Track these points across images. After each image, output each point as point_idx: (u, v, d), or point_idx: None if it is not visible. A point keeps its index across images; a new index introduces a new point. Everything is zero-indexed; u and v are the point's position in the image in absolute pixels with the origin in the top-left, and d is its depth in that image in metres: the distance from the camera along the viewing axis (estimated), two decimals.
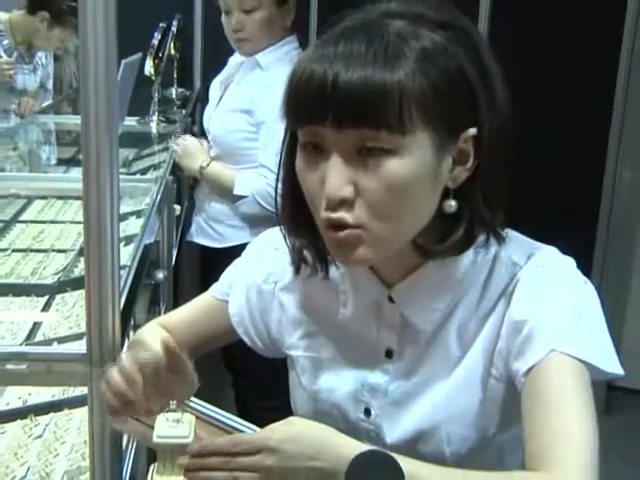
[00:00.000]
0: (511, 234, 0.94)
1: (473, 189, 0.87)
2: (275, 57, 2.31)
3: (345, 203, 0.83)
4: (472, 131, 0.85)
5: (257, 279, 1.07)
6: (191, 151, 2.41)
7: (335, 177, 0.83)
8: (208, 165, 2.37)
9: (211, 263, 2.45)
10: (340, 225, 0.85)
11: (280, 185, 0.94)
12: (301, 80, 0.83)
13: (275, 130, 2.07)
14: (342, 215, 0.84)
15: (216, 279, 1.14)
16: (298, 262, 0.99)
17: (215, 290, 1.12)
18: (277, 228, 1.02)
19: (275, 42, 2.31)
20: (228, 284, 1.10)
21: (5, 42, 3.30)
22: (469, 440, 0.92)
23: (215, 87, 2.52)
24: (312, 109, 0.83)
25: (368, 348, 0.98)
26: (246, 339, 1.09)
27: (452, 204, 0.87)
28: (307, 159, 0.86)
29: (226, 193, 2.33)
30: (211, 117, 2.48)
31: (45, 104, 3.57)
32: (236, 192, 2.29)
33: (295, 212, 0.93)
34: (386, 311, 0.96)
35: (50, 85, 3.65)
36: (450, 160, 0.86)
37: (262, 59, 2.31)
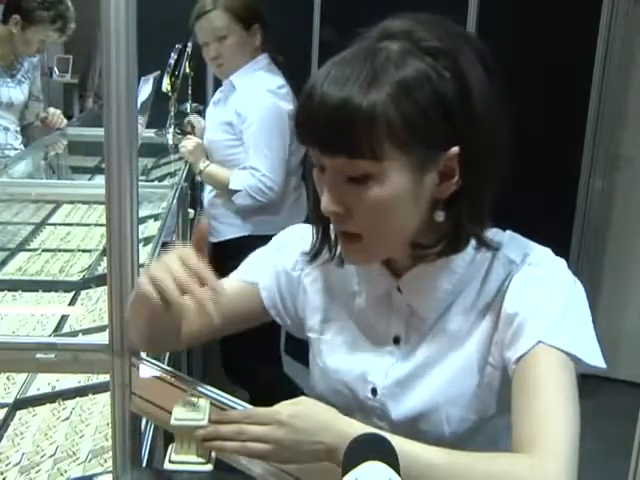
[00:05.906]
0: (510, 234, 0.94)
1: (460, 201, 0.87)
2: (245, 76, 2.43)
3: (340, 216, 0.86)
4: (455, 150, 0.84)
5: (286, 266, 1.06)
6: (195, 150, 2.54)
7: (327, 196, 0.86)
8: (206, 167, 2.50)
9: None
10: (342, 232, 0.89)
11: (311, 192, 0.95)
12: (299, 103, 0.86)
13: (254, 136, 2.31)
14: (342, 226, 0.88)
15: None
16: (319, 249, 0.99)
17: (243, 273, 1.09)
18: (301, 224, 1.07)
19: (246, 62, 2.44)
20: (256, 269, 1.08)
21: None
22: (467, 421, 0.92)
23: (210, 107, 2.66)
24: (304, 135, 0.86)
25: (378, 335, 0.98)
26: (278, 319, 1.08)
27: (441, 214, 0.87)
28: (317, 175, 0.89)
29: (222, 189, 2.46)
30: (205, 131, 2.65)
31: (42, 115, 3.27)
32: (231, 187, 2.41)
33: (320, 215, 0.93)
34: (395, 301, 0.96)
35: (41, 95, 3.33)
36: (436, 175, 0.85)
37: (235, 80, 2.44)
